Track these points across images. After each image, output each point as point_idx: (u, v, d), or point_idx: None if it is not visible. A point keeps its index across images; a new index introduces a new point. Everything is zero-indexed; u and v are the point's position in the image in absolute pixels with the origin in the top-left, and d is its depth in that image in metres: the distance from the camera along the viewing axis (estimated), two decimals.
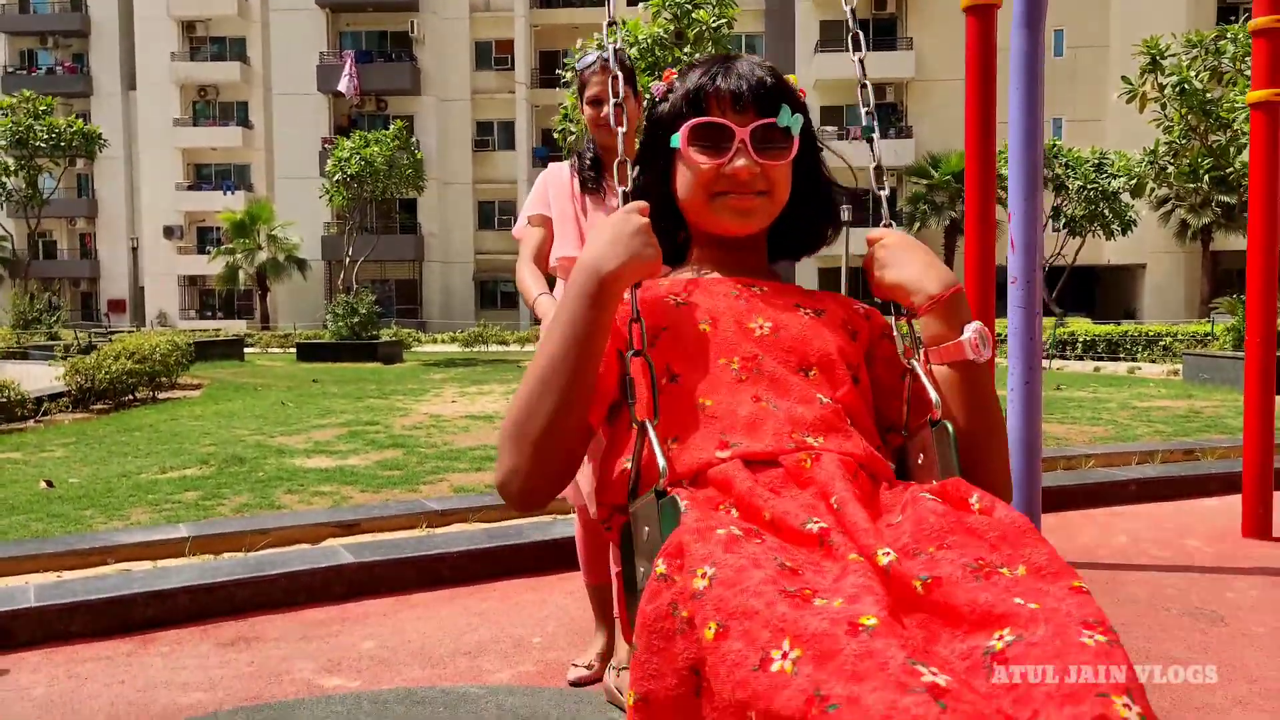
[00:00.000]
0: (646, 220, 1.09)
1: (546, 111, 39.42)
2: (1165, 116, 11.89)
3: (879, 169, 1.31)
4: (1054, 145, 24.13)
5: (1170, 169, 12.48)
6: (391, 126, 23.03)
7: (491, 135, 40.14)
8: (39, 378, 13.18)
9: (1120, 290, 37.05)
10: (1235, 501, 4.46)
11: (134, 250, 38.99)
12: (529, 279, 2.56)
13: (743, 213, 1.16)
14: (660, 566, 0.88)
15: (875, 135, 1.30)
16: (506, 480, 1.09)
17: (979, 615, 0.78)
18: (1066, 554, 4.00)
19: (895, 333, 1.19)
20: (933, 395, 1.08)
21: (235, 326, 36.21)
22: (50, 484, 5.66)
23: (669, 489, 0.97)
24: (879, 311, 1.24)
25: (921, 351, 1.13)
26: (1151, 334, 18.26)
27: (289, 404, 10.70)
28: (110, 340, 18.11)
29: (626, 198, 1.17)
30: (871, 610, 0.77)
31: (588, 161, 2.59)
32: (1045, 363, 17.55)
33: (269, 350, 26.32)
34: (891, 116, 37.90)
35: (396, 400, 11.17)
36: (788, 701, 0.72)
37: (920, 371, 1.11)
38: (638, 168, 1.23)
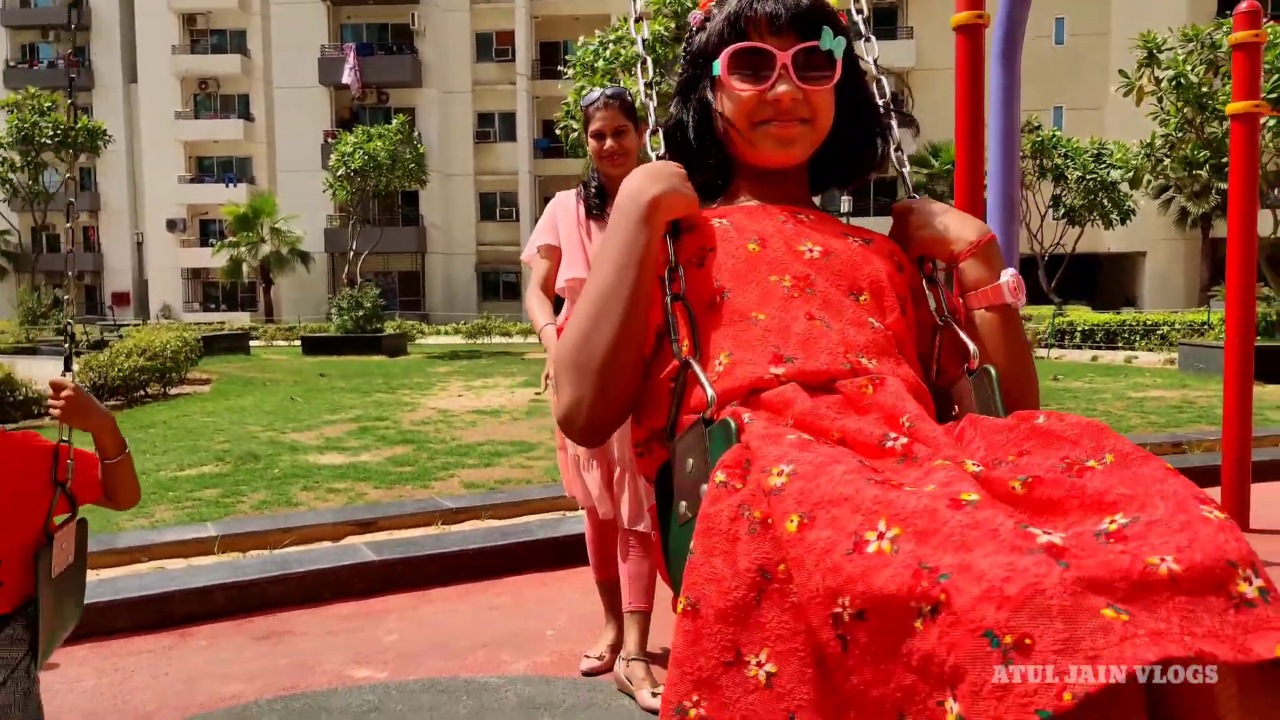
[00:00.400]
0: (680, 166, 1.13)
1: (547, 103, 39.49)
2: (1162, 110, 12.02)
3: (899, 149, 1.30)
4: (1053, 135, 24.22)
5: (1166, 162, 12.60)
6: (394, 121, 23.15)
7: (493, 127, 40.21)
8: (50, 375, 13.39)
9: (1120, 278, 37.19)
10: (1216, 494, 4.65)
11: (139, 245, 39.13)
12: (536, 308, 2.76)
13: (786, 141, 1.14)
14: (720, 476, 0.85)
15: (893, 113, 1.28)
16: (570, 413, 1.05)
17: (1089, 503, 0.74)
18: None
19: (926, 288, 1.18)
20: (971, 346, 1.09)
21: (239, 319, 36.41)
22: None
23: (717, 416, 0.94)
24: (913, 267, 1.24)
25: (955, 303, 1.16)
26: (1149, 323, 18.42)
27: (298, 399, 10.90)
28: (118, 334, 18.31)
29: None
30: (972, 489, 0.74)
31: (593, 190, 2.78)
32: (1043, 352, 17.72)
33: (274, 343, 26.52)
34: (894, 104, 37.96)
35: (404, 395, 11.37)
36: (891, 579, 0.67)
37: (955, 326, 1.13)
38: (661, 129, 1.22)
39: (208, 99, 40.68)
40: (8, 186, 25.53)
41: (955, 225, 1.17)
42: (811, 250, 1.12)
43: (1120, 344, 18.30)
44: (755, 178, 1.20)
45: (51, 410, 1.67)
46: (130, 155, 41.12)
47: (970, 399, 1.08)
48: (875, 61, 1.28)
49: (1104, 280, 37.90)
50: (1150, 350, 17.39)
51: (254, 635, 3.19)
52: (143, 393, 11.29)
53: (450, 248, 40.03)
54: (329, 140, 36.06)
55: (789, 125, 1.13)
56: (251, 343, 22.89)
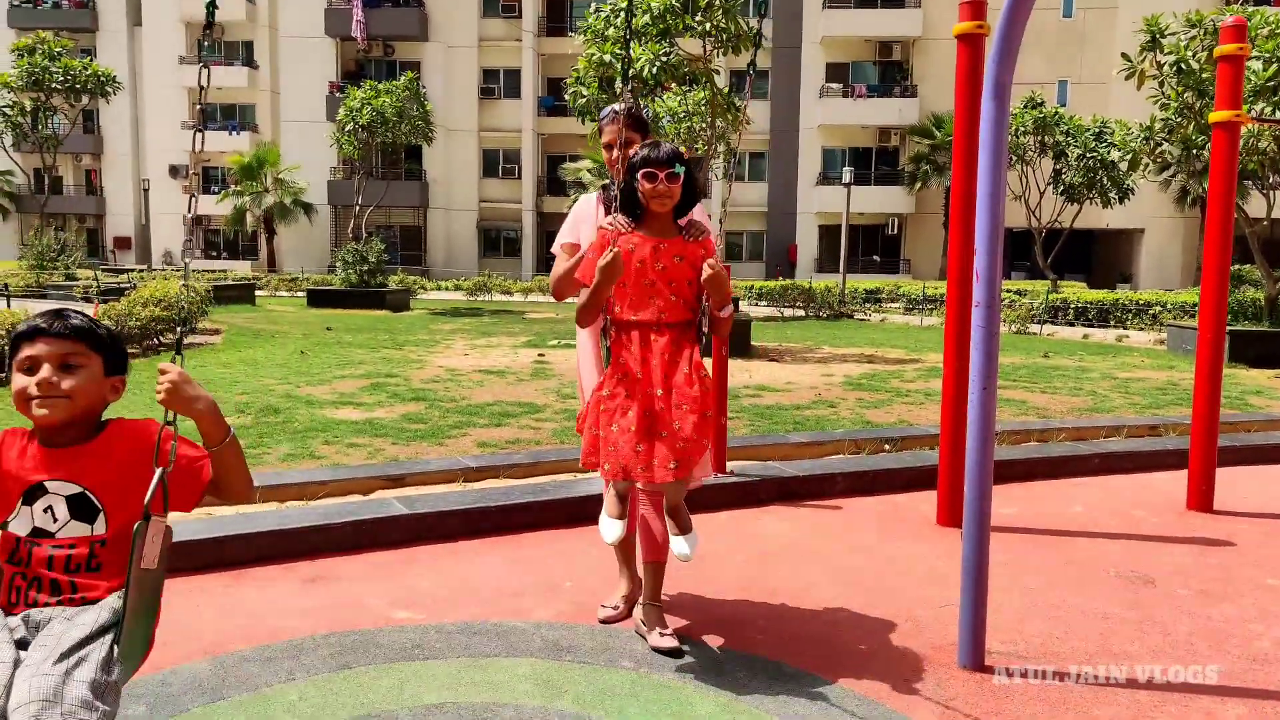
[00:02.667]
0: (621, 253, 2.74)
1: (553, 60, 39.30)
2: (1162, 94, 12.21)
3: (724, 212, 3.32)
4: (1055, 112, 24.32)
5: (1165, 146, 12.81)
6: (402, 77, 23.20)
7: (498, 83, 40.08)
8: None
9: (1117, 254, 37.43)
10: (1186, 476, 4.99)
11: (145, 191, 39.09)
12: (565, 267, 3.14)
13: (663, 201, 2.82)
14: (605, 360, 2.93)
15: (729, 176, 2.69)
16: (580, 321, 2.96)
17: (676, 403, 2.77)
18: (1027, 521, 4.56)
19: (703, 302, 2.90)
20: (706, 305, 2.91)
21: (241, 268, 36.57)
22: None
23: (610, 330, 2.92)
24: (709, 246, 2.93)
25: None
26: (1141, 302, 18.73)
27: (308, 353, 11.21)
28: (129, 281, 18.52)
29: (610, 203, 3.00)
30: (631, 405, 2.75)
31: (613, 194, 3.11)
32: (1036, 327, 18.05)
33: (277, 294, 26.74)
34: (897, 75, 37.87)
35: (410, 352, 11.68)
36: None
37: (706, 307, 2.90)
38: (621, 183, 2.88)
39: (212, 45, 40.40)
40: (15, 130, 25.55)
41: (711, 290, 2.83)
42: (659, 265, 2.83)
43: (1113, 322, 18.62)
44: (651, 215, 2.86)
45: (157, 394, 1.73)
46: (134, 99, 40.93)
47: (712, 323, 2.94)
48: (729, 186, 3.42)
49: (1101, 256, 38.14)
50: (1141, 330, 17.72)
51: (302, 578, 3.53)
52: (157, 341, 11.59)
53: (452, 203, 40.09)
54: (334, 92, 35.97)
55: (664, 199, 2.82)
56: (256, 293, 23.13)
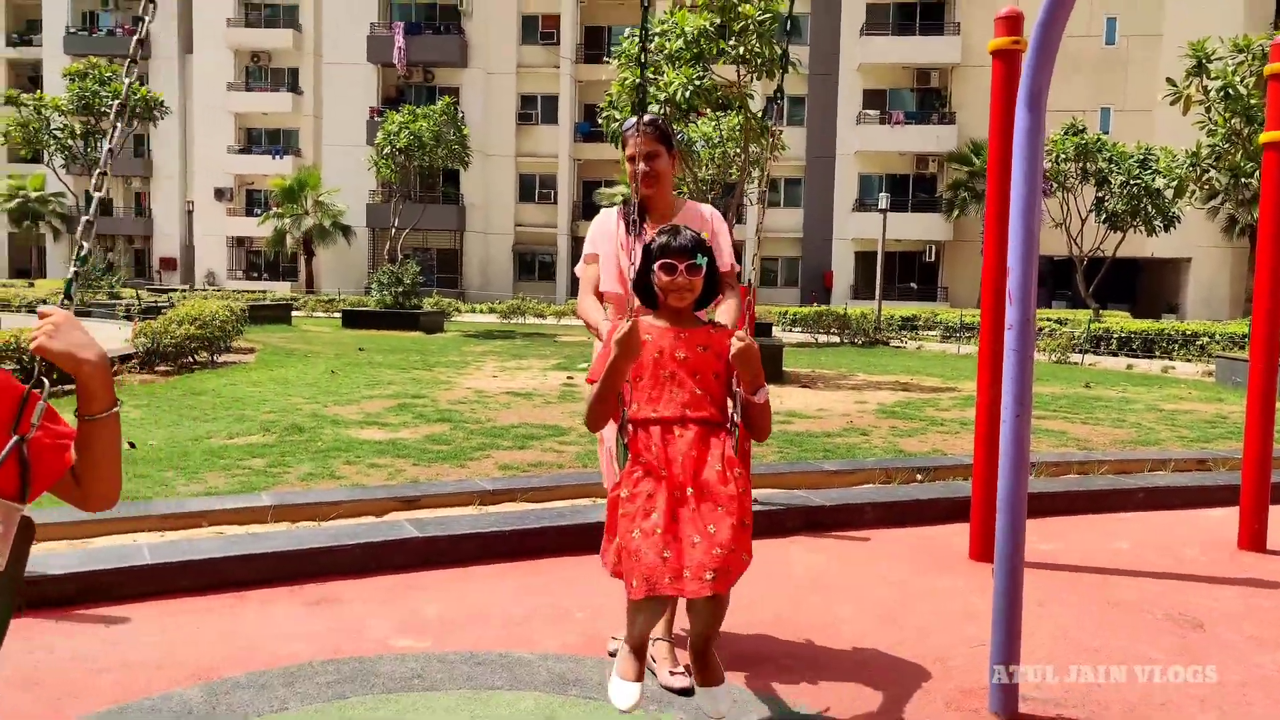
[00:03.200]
0: (638, 324, 2.34)
1: (590, 87, 39.57)
2: (1209, 120, 11.92)
3: (759, 234, 2.83)
4: (1098, 139, 23.93)
5: (1212, 173, 12.50)
6: (439, 102, 23.43)
7: (535, 109, 40.43)
8: (102, 339, 13.83)
9: (1163, 284, 36.66)
10: (1237, 514, 4.73)
11: (189, 212, 39.91)
12: (591, 310, 3.00)
13: (682, 297, 2.49)
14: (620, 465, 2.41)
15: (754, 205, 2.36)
16: (590, 427, 2.54)
17: (713, 503, 2.25)
18: (1067, 558, 4.34)
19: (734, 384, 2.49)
20: (741, 395, 2.44)
21: (280, 289, 37.06)
22: (132, 445, 6.17)
23: (627, 430, 2.41)
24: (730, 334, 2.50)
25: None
26: (1188, 332, 18.23)
27: (339, 373, 11.22)
28: (168, 300, 18.79)
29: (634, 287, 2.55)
30: (657, 498, 2.27)
31: (633, 208, 3.00)
32: (1077, 357, 17.63)
33: (314, 314, 27.01)
34: (935, 102, 37.62)
35: (440, 373, 11.65)
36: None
37: (739, 392, 2.45)
38: (638, 266, 2.53)
39: (259, 71, 41.26)
40: (66, 153, 26.19)
41: (740, 367, 2.39)
42: (679, 354, 2.45)
43: (1158, 353, 18.12)
44: (668, 305, 2.52)
45: (32, 340, 1.34)
46: (183, 124, 41.85)
47: (745, 415, 2.46)
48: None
49: (1146, 286, 37.39)
50: (1188, 361, 17.23)
51: (306, 601, 3.43)
52: (191, 360, 11.68)
53: (489, 227, 40.39)
54: (374, 117, 36.47)
55: (684, 293, 2.48)
56: (293, 313, 23.36)
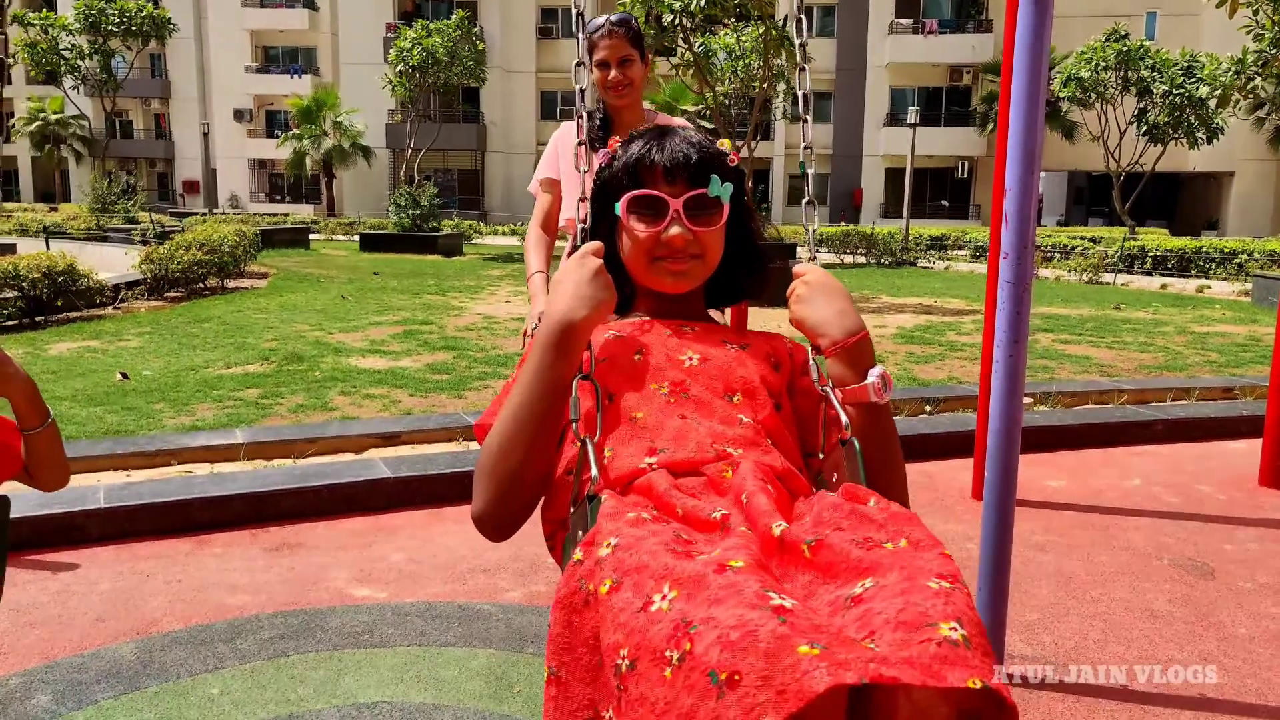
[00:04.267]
0: (601, 262, 1.22)
1: None
2: (1256, 23, 11.20)
3: (809, 149, 1.44)
4: (1140, 45, 22.77)
5: (1258, 80, 11.81)
6: (454, 16, 22.74)
7: (556, 22, 39.31)
8: (115, 264, 13.78)
9: (1204, 200, 35.44)
10: (1260, 447, 4.46)
11: (205, 134, 39.60)
12: (532, 249, 2.70)
13: (678, 274, 1.30)
14: (577, 554, 0.97)
15: (808, 117, 1.44)
16: (480, 518, 1.19)
17: (851, 569, 0.90)
18: (1075, 495, 4.13)
19: (811, 362, 1.30)
20: (843, 417, 1.20)
21: (303, 211, 36.90)
22: (125, 376, 6.07)
23: (599, 493, 1.08)
24: (804, 348, 1.34)
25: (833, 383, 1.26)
26: (1226, 250, 17.57)
27: (350, 298, 11.08)
28: (179, 225, 18.69)
29: (585, 235, 1.32)
30: (741, 557, 0.88)
31: (597, 122, 2.68)
32: (1109, 277, 17.09)
33: (334, 238, 26.85)
34: (971, 9, 36.04)
35: (453, 298, 11.47)
36: (659, 632, 0.80)
37: (833, 397, 1.22)
38: (588, 221, 1.35)
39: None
40: (76, 73, 25.87)
41: (824, 319, 1.24)
42: (691, 359, 1.27)
43: (1194, 272, 17.52)
44: (654, 298, 1.35)
45: None
46: (198, 43, 41.24)
47: (844, 467, 1.19)
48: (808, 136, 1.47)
49: (1185, 202, 36.19)
50: (1225, 280, 16.65)
51: (267, 546, 3.30)
52: (201, 285, 11.58)
53: (510, 146, 39.74)
54: (391, 33, 35.66)
55: (681, 261, 1.28)
56: (312, 237, 23.20)
